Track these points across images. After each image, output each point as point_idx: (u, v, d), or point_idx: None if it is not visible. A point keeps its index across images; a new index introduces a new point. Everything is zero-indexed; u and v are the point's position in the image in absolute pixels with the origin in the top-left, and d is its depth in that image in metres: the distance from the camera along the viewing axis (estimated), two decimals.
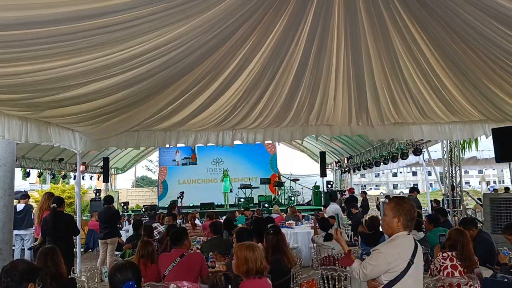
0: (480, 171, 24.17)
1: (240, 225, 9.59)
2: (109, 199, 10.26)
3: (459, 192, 11.94)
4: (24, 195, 11.06)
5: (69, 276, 4.74)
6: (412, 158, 15.23)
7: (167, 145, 9.13)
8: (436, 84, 6.66)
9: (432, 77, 6.45)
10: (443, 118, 8.29)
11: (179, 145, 9.22)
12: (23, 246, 10.39)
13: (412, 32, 5.44)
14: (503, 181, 41.29)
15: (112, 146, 10.04)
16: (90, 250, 12.65)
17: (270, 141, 9.08)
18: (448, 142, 11.76)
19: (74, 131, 7.66)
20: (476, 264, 4.95)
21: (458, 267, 4.89)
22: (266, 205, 17.50)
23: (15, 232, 10.04)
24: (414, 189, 12.65)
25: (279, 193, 21.09)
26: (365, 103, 7.55)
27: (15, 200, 10.08)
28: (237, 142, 9.05)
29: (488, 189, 17.90)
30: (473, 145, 14.32)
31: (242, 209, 14.43)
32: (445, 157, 12.33)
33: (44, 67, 3.96)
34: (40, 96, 4.85)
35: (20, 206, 10.44)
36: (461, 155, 12.60)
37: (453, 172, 12.08)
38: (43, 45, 3.53)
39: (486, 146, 15.33)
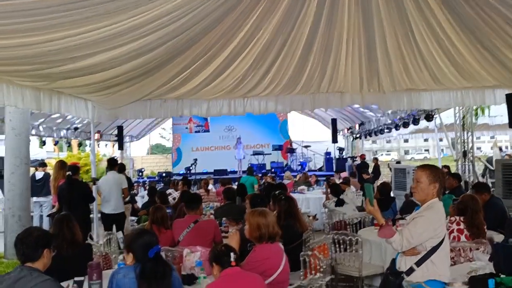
0: (492, 137, 23.84)
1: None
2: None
3: (471, 158, 11.89)
4: (42, 164, 11.26)
5: (85, 242, 4.87)
6: (423, 124, 15.10)
7: (180, 114, 9.18)
8: (449, 48, 6.55)
9: (445, 41, 6.33)
10: (456, 84, 8.18)
11: (192, 114, 9.27)
12: (41, 212, 10.66)
13: None
14: None
15: (125, 117, 10.11)
16: None
17: (281, 111, 9.08)
18: (461, 107, 11.64)
19: (87, 101, 7.73)
20: (484, 234, 4.97)
21: (464, 231, 4.94)
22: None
23: (34, 199, 10.28)
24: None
25: (291, 159, 21.15)
26: (377, 69, 7.47)
27: (33, 168, 10.28)
28: (249, 111, 9.06)
29: (501, 155, 17.74)
30: (486, 111, 14.17)
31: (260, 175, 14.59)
32: (458, 122, 12.23)
33: (51, 38, 3.97)
34: (49, 67, 4.89)
35: (39, 174, 10.66)
36: (473, 121, 12.49)
37: (465, 137, 12.00)
38: (49, 15, 3.53)
39: (499, 112, 15.14)
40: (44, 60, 4.60)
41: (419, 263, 3.47)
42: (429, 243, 3.44)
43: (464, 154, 11.91)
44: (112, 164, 8.49)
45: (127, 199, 8.80)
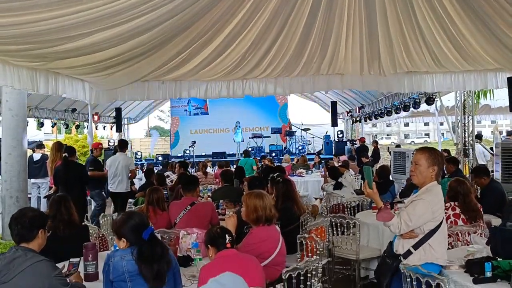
0: (493, 121, 23.81)
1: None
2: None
3: (471, 142, 11.88)
4: (40, 145, 11.23)
5: (82, 223, 4.85)
6: (423, 108, 15.05)
7: (178, 96, 9.12)
8: (452, 31, 6.45)
9: (448, 23, 6.23)
10: (458, 67, 8.10)
11: (190, 96, 9.21)
12: (39, 194, 10.66)
13: None
14: None
15: (122, 99, 10.06)
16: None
17: (281, 94, 9.01)
18: (462, 91, 11.58)
19: (84, 82, 7.64)
20: (481, 215, 4.98)
21: (460, 215, 4.94)
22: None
23: (32, 180, 10.27)
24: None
25: (290, 143, 21.14)
26: (378, 51, 7.38)
27: (30, 150, 10.26)
28: (248, 94, 8.99)
29: (501, 138, 17.74)
30: (488, 94, 14.11)
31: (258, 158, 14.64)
32: (458, 105, 12.18)
33: (47, 17, 3.89)
34: (45, 46, 4.80)
35: (37, 156, 10.64)
36: (475, 102, 12.46)
37: (466, 121, 11.96)
38: None
39: (500, 96, 15.12)
40: (39, 40, 4.52)
41: (416, 246, 3.47)
42: (427, 226, 3.44)
43: (479, 137, 11.91)
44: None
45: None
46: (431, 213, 3.41)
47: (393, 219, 3.48)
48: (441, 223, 3.46)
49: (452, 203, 5.01)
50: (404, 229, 3.45)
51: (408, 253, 3.50)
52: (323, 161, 13.78)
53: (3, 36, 4.24)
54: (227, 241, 3.31)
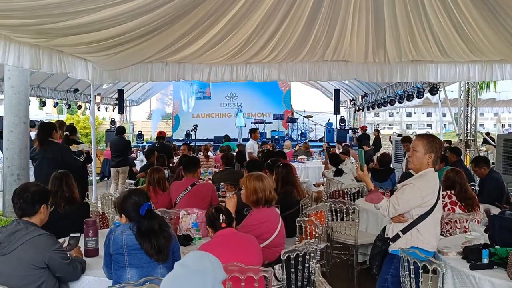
0: (496, 114, 23.77)
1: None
2: (120, 129, 10.57)
3: (473, 133, 11.87)
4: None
5: (83, 201, 4.87)
6: (427, 98, 15.01)
7: (181, 79, 9.08)
8: (459, 20, 6.38)
9: (455, 12, 6.18)
10: (463, 57, 8.04)
11: (194, 79, 9.17)
12: None
13: None
14: None
15: (125, 80, 10.05)
16: (105, 179, 12.99)
17: (284, 80, 8.96)
18: (466, 82, 11.53)
19: (87, 61, 7.61)
20: (476, 201, 5.06)
21: (457, 203, 5.00)
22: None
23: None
24: None
25: (292, 129, 21.13)
26: (383, 39, 7.32)
27: None
28: (251, 79, 8.95)
29: (504, 131, 17.74)
30: (491, 86, 14.06)
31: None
32: (462, 97, 12.15)
33: None
34: (50, 22, 4.76)
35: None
36: (478, 96, 12.42)
37: (469, 112, 11.94)
38: None
39: (504, 88, 15.05)
40: (43, 14, 4.48)
41: (404, 231, 3.54)
42: (416, 211, 3.48)
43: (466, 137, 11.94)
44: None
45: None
46: (420, 198, 3.44)
47: (382, 201, 3.57)
48: (432, 209, 3.49)
49: (448, 191, 5.07)
50: (392, 212, 3.52)
51: (396, 237, 3.57)
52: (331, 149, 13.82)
53: (6, 9, 4.22)
54: (221, 221, 3.34)
